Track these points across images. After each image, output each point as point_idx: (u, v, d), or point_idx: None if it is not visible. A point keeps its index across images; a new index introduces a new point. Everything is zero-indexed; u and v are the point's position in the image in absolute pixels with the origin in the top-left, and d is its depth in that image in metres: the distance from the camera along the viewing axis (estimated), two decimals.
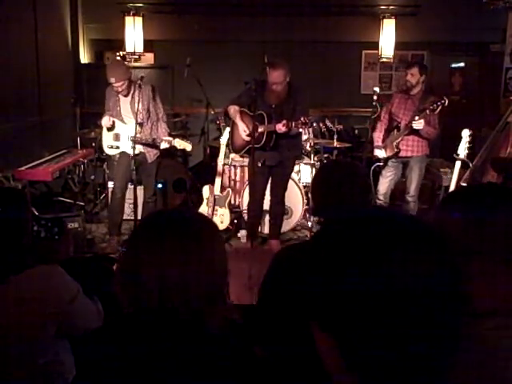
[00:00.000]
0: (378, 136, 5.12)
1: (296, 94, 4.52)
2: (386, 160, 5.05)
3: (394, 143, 4.93)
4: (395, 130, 4.95)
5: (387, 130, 5.10)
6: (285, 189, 4.88)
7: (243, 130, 4.59)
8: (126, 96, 4.60)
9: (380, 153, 5.06)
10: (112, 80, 4.42)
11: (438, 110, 4.65)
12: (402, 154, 4.95)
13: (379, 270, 0.64)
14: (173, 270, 1.21)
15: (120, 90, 4.49)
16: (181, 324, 1.21)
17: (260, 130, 4.45)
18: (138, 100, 4.48)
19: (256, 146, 4.40)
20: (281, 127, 4.35)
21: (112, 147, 4.81)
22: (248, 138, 4.53)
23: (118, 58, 7.52)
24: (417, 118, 4.71)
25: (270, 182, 4.85)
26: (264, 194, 4.86)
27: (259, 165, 4.64)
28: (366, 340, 0.65)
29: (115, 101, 4.66)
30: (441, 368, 0.69)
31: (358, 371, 0.67)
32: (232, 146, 4.92)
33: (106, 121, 4.70)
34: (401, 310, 0.64)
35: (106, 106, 4.79)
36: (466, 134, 4.22)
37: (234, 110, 4.67)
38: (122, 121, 4.64)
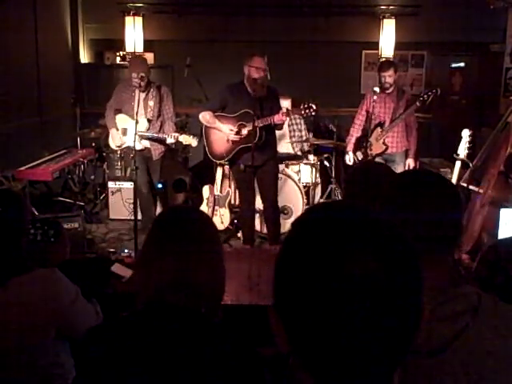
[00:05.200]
0: (350, 141, 5.22)
1: (273, 92, 4.50)
2: (373, 158, 5.09)
3: (381, 141, 4.98)
4: (378, 128, 5.01)
5: (363, 130, 5.17)
6: (276, 191, 4.71)
7: (229, 130, 4.41)
8: (143, 92, 4.70)
9: (349, 158, 5.19)
10: (134, 75, 4.57)
11: (430, 99, 4.67)
12: (387, 150, 5.05)
13: (332, 270, 0.65)
14: (184, 269, 1.27)
15: (141, 84, 4.59)
16: (191, 321, 1.24)
17: (257, 124, 4.24)
18: (152, 97, 4.73)
19: (248, 145, 4.31)
20: (280, 117, 4.24)
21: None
22: (237, 138, 4.41)
23: (118, 57, 7.54)
24: (407, 112, 4.82)
25: (257, 185, 4.66)
26: (254, 199, 4.69)
27: (242, 167, 4.51)
28: (310, 331, 0.66)
29: (130, 96, 4.75)
30: (389, 364, 0.69)
31: (301, 357, 0.69)
32: (212, 155, 4.68)
33: (118, 141, 4.87)
34: (350, 309, 0.64)
35: (112, 102, 4.89)
36: (465, 133, 4.21)
37: (209, 115, 4.50)
38: (132, 116, 4.67)
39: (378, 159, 5.09)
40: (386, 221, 0.72)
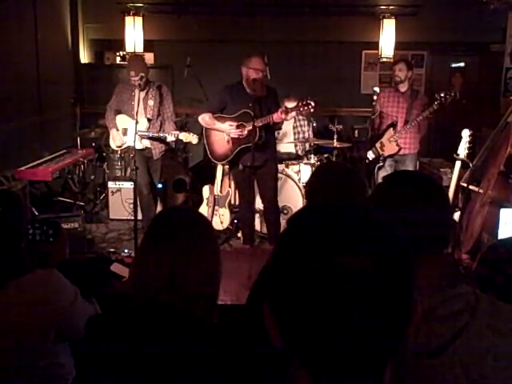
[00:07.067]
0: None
1: (272, 92, 4.52)
2: (384, 160, 5.08)
3: (394, 142, 4.95)
4: (391, 129, 4.98)
5: (377, 129, 5.15)
6: (275, 191, 4.70)
7: (229, 125, 4.41)
8: (142, 91, 4.71)
9: (371, 155, 5.19)
10: (132, 74, 4.58)
11: (447, 102, 4.65)
12: (400, 151, 5.04)
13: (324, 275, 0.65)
14: (182, 267, 1.26)
15: (137, 83, 4.59)
16: (187, 319, 1.24)
17: (257, 124, 4.23)
18: (151, 97, 4.74)
19: (248, 144, 4.31)
20: (279, 115, 4.24)
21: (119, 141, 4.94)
22: (238, 132, 4.39)
23: (118, 57, 7.54)
24: (425, 114, 4.78)
25: (257, 186, 4.65)
26: (254, 199, 4.68)
27: (240, 167, 4.53)
28: (302, 330, 0.67)
29: (130, 96, 4.77)
30: (380, 360, 0.70)
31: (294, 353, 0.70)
32: (214, 157, 4.69)
33: (119, 141, 4.87)
34: (344, 311, 0.65)
35: (112, 103, 4.91)
36: (465, 134, 4.21)
37: (209, 117, 4.51)
38: (132, 116, 4.68)
39: (388, 161, 5.08)
40: (380, 219, 0.72)
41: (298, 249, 0.69)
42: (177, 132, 4.74)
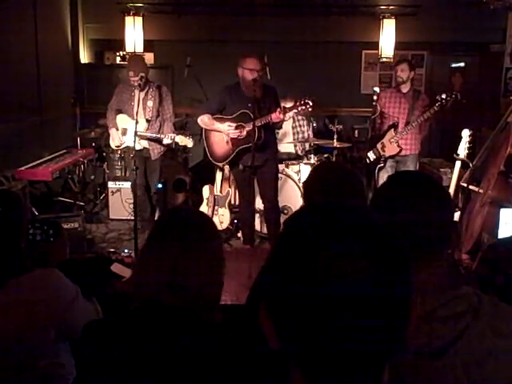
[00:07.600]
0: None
1: (271, 91, 4.52)
2: (385, 160, 5.08)
3: (395, 143, 4.94)
4: (392, 130, 4.98)
5: (378, 130, 5.15)
6: (276, 191, 4.70)
7: (227, 126, 4.41)
8: (141, 91, 4.70)
9: (372, 155, 5.17)
10: (131, 74, 4.59)
11: (449, 104, 4.64)
12: (401, 152, 5.02)
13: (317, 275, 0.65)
14: (184, 267, 1.27)
15: (137, 83, 4.59)
16: (188, 319, 1.24)
17: (256, 124, 4.23)
18: (151, 97, 4.74)
19: (248, 145, 4.32)
20: (278, 115, 4.24)
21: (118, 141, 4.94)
22: (236, 133, 4.40)
23: (118, 57, 7.54)
24: (425, 115, 4.76)
25: (257, 185, 4.65)
26: (254, 199, 4.65)
27: (240, 167, 4.54)
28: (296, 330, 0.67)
29: (130, 96, 4.77)
30: (378, 363, 0.69)
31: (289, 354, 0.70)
32: (214, 158, 4.69)
33: (117, 141, 4.88)
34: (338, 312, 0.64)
35: (113, 103, 4.91)
36: (465, 134, 4.21)
37: (208, 118, 4.51)
38: (132, 116, 4.68)
39: (389, 161, 5.08)
40: (378, 219, 0.72)
41: (296, 249, 0.69)
42: (173, 135, 4.73)
